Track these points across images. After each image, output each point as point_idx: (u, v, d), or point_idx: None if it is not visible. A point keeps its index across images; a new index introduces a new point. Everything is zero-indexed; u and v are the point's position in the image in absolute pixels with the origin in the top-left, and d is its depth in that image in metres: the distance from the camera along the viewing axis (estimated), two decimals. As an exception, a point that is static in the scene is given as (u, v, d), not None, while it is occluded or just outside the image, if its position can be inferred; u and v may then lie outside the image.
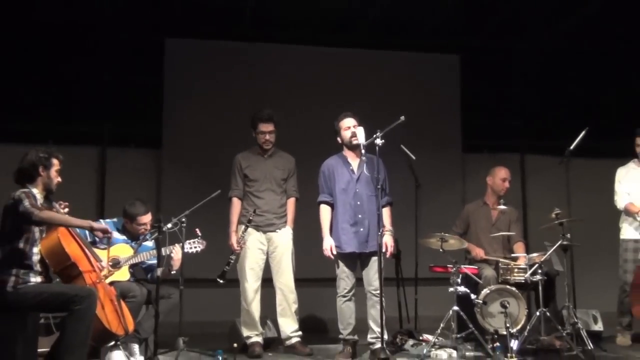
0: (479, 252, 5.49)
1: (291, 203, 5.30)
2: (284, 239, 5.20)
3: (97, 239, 4.37)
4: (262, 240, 5.18)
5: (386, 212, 4.92)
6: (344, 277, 4.86)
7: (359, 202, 4.86)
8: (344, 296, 4.85)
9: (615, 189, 5.59)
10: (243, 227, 5.12)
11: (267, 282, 5.22)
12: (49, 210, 3.88)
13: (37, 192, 3.90)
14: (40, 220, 3.77)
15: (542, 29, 7.20)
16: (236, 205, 5.23)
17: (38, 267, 3.89)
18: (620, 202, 5.51)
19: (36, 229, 3.87)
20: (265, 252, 5.19)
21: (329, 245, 4.86)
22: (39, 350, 4.19)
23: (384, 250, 4.76)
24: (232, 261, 5.05)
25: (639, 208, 5.36)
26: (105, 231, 4.04)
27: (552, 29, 7.18)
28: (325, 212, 4.98)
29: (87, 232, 4.65)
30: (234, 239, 5.13)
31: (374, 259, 4.74)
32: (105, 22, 6.83)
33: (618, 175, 5.62)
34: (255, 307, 5.11)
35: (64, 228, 4.15)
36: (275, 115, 5.27)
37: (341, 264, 4.87)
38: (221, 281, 4.96)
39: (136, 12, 6.74)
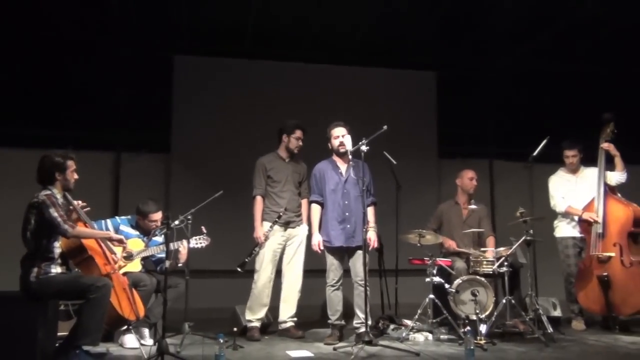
0: (451, 244, 5.50)
1: (305, 203, 5.27)
2: (301, 234, 5.20)
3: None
4: (284, 235, 5.16)
5: (371, 211, 4.93)
6: (333, 268, 4.86)
7: (346, 202, 4.86)
8: (333, 286, 4.85)
9: (552, 194, 5.62)
10: (270, 223, 5.08)
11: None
12: (78, 227, 3.91)
13: (57, 191, 3.87)
14: (72, 237, 3.84)
15: (510, 48, 7.24)
16: (259, 202, 5.18)
17: (59, 260, 3.88)
18: (560, 206, 5.54)
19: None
20: (283, 246, 5.17)
21: (317, 241, 4.86)
22: (59, 333, 4.17)
23: (368, 243, 4.78)
24: (255, 253, 5.03)
25: (580, 210, 5.40)
26: (121, 241, 4.09)
27: (518, 48, 7.23)
28: (315, 210, 4.98)
29: (103, 227, 4.66)
30: (260, 232, 5.07)
31: (360, 252, 4.75)
32: (121, 41, 6.83)
33: (552, 182, 5.65)
34: (265, 295, 5.07)
35: (82, 224, 4.15)
36: None
37: (330, 256, 4.87)
38: (240, 270, 4.93)
39: (149, 32, 6.75)
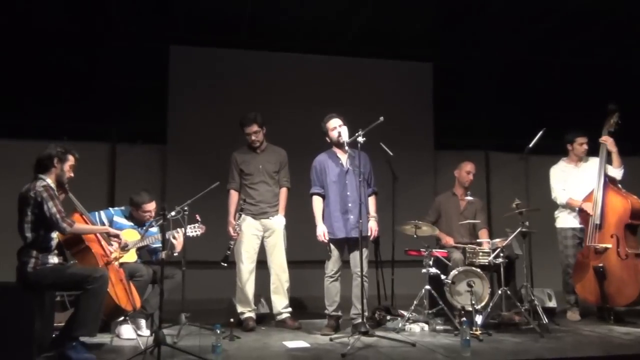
0: (448, 240, 5.52)
1: (283, 192, 5.27)
2: (277, 225, 5.19)
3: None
4: (258, 227, 5.17)
5: (372, 201, 4.95)
6: (333, 260, 4.87)
7: (348, 193, 4.86)
8: (331, 277, 4.86)
9: (553, 186, 5.64)
10: (238, 215, 5.10)
11: (262, 264, 5.21)
12: (78, 224, 3.92)
13: (50, 182, 3.85)
14: (71, 232, 3.85)
15: (507, 39, 7.23)
16: (233, 196, 5.22)
17: (56, 250, 3.88)
18: (561, 198, 5.56)
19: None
20: (260, 237, 5.18)
21: (321, 231, 4.86)
22: (55, 324, 4.17)
23: (369, 233, 4.78)
24: (231, 246, 5.03)
25: (580, 201, 5.43)
26: (117, 236, 4.16)
27: (515, 39, 7.22)
28: (317, 202, 4.98)
29: (97, 219, 4.65)
30: (230, 225, 5.11)
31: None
32: (116, 31, 6.78)
33: (553, 174, 5.67)
34: (249, 287, 5.10)
35: (78, 215, 4.17)
36: (259, 116, 5.23)
37: (332, 247, 4.87)
38: (224, 264, 4.93)
39: (144, 22, 6.70)
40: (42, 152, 3.90)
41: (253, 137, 5.22)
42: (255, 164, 5.23)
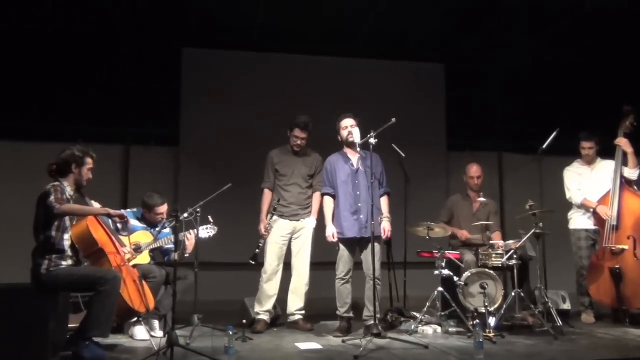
0: (463, 234, 5.50)
1: (316, 196, 5.23)
2: (307, 227, 5.18)
3: (119, 226, 4.35)
4: (288, 228, 5.16)
5: (384, 201, 4.93)
6: (343, 261, 4.85)
7: (358, 193, 4.85)
8: (342, 279, 4.85)
9: (568, 187, 5.58)
10: (270, 215, 5.10)
11: (285, 266, 5.20)
12: (69, 204, 3.85)
13: (67, 185, 3.88)
14: (61, 213, 3.76)
15: (519, 39, 7.18)
16: (267, 196, 5.22)
17: (69, 252, 3.90)
18: (577, 198, 5.50)
19: (67, 218, 3.86)
20: (288, 239, 5.18)
21: (331, 232, 4.85)
22: (69, 325, 4.20)
23: (382, 234, 4.76)
24: (261, 245, 5.02)
25: (595, 203, 5.37)
26: (121, 216, 4.01)
27: (526, 41, 7.17)
28: (328, 202, 4.97)
29: (110, 221, 4.66)
30: (262, 225, 5.11)
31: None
32: (129, 35, 6.83)
33: (567, 175, 5.62)
34: (271, 287, 5.07)
35: (92, 217, 4.16)
36: (311, 123, 5.21)
37: (342, 248, 4.86)
38: (253, 262, 4.92)
39: (157, 25, 6.74)
40: (59, 157, 3.92)
41: (299, 142, 5.21)
42: (291, 166, 5.23)
